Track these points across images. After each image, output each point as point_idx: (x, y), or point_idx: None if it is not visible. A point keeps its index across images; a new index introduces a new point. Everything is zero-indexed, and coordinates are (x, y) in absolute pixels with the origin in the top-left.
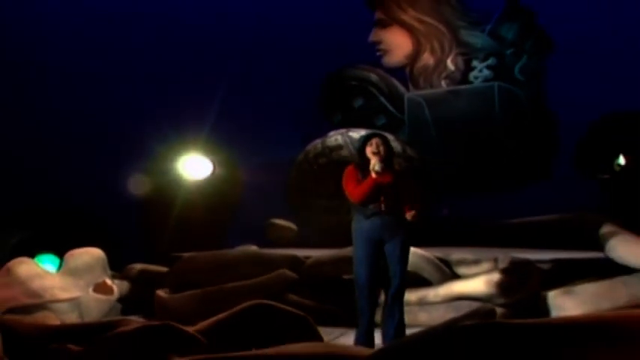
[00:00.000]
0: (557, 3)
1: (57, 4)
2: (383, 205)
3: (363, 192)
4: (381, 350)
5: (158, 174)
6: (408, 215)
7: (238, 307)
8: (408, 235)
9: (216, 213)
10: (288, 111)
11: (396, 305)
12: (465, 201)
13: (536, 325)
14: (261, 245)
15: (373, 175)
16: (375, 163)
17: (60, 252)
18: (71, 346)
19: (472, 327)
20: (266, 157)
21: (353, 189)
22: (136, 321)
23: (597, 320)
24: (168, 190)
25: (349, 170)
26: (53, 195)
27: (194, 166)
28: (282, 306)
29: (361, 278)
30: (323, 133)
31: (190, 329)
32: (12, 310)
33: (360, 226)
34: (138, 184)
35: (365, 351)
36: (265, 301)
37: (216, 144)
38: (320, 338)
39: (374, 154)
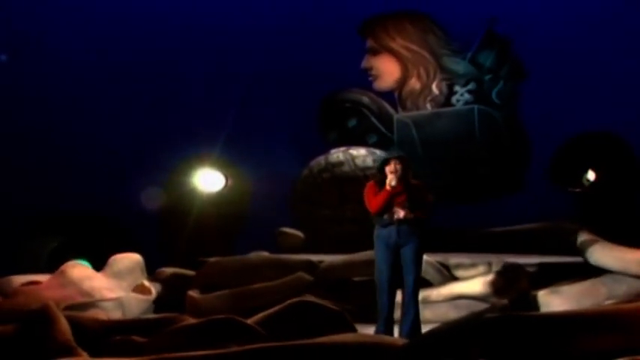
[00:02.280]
0: (532, 31)
1: (75, 21)
2: (395, 215)
3: (378, 203)
4: (415, 340)
5: (176, 187)
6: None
7: (284, 304)
8: (422, 241)
9: (227, 222)
10: (291, 130)
11: (412, 304)
12: (449, 211)
13: (546, 316)
14: (270, 251)
15: (388, 188)
16: (391, 179)
17: (89, 257)
18: (135, 338)
19: (496, 318)
20: (273, 172)
21: (371, 200)
22: (188, 317)
23: (599, 312)
24: (184, 201)
25: (369, 185)
26: (82, 205)
27: (208, 180)
28: (322, 303)
29: (382, 279)
30: (321, 150)
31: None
32: (68, 308)
33: (379, 233)
34: (156, 196)
35: (399, 341)
36: (307, 299)
37: (228, 160)
38: (355, 330)
39: (391, 172)
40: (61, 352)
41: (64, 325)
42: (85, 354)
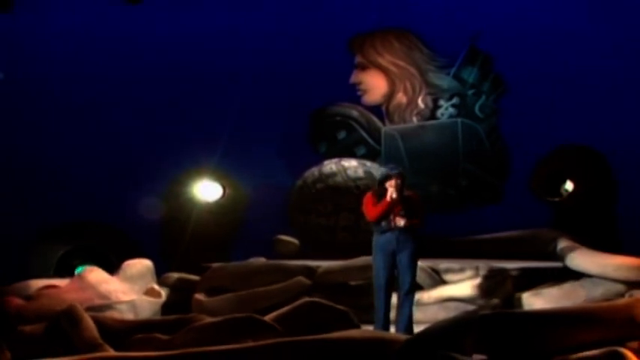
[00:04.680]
0: (513, 48)
1: (78, 36)
2: (393, 223)
3: (378, 212)
4: (417, 334)
5: (176, 196)
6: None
7: (294, 304)
8: (418, 248)
9: (225, 230)
10: (284, 142)
11: (407, 306)
12: (434, 220)
13: (533, 313)
14: (266, 257)
15: (389, 199)
16: (392, 192)
17: (95, 263)
18: (158, 335)
19: (488, 315)
20: (267, 182)
21: (370, 210)
22: (206, 317)
23: (580, 309)
24: (184, 210)
25: (368, 196)
26: (89, 214)
27: (207, 190)
28: (329, 303)
29: (378, 282)
30: (312, 161)
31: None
32: (88, 309)
33: (378, 239)
34: (158, 206)
35: (401, 336)
36: (315, 299)
37: (225, 171)
38: (359, 327)
39: (391, 186)
40: (89, 348)
41: (90, 323)
42: (111, 349)
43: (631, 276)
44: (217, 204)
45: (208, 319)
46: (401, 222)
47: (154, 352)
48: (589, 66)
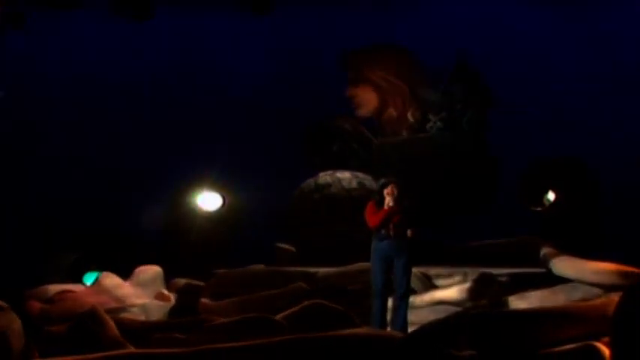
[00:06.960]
0: (500, 63)
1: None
2: (392, 231)
3: (378, 220)
4: (414, 332)
5: (179, 206)
6: (409, 233)
7: (300, 306)
8: (412, 254)
9: (224, 238)
10: (280, 154)
11: (402, 307)
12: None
13: (519, 312)
14: (265, 264)
15: (386, 208)
16: (389, 200)
17: (104, 269)
18: (176, 334)
19: (479, 314)
20: (265, 193)
21: (371, 217)
22: (219, 318)
23: (561, 309)
24: (186, 219)
25: (369, 205)
26: (98, 223)
27: (207, 200)
28: (332, 304)
29: (376, 286)
30: (307, 173)
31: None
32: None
33: (376, 246)
34: (162, 215)
35: (399, 334)
36: (319, 301)
37: (225, 182)
38: (360, 327)
39: (388, 194)
40: (112, 346)
41: (112, 324)
42: (132, 347)
43: (608, 280)
44: (217, 213)
45: (222, 320)
46: (408, 232)
47: (174, 349)
48: (575, 80)
